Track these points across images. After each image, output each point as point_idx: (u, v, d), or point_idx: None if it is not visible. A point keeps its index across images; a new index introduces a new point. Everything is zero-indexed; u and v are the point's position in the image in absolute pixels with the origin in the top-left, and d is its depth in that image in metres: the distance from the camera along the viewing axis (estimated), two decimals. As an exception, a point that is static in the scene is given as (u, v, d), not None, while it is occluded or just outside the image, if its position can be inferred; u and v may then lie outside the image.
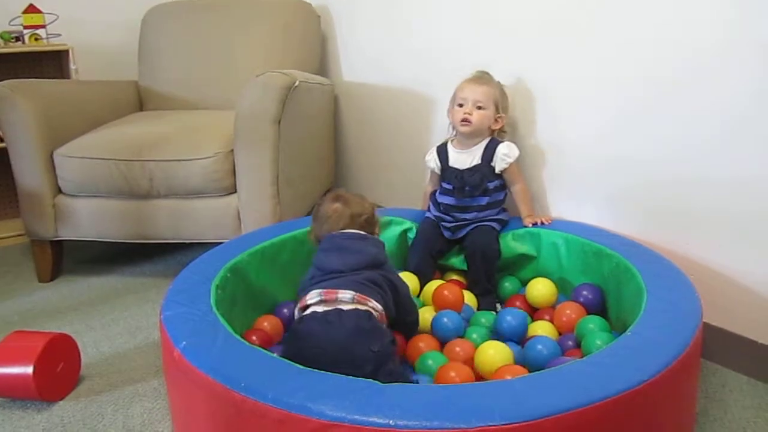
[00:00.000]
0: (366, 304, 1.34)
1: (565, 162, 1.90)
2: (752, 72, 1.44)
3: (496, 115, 1.86)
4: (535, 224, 1.83)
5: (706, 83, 1.53)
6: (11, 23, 2.54)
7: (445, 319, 1.55)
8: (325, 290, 1.35)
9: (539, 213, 1.95)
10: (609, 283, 1.62)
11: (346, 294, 1.33)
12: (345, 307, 1.32)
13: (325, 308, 1.33)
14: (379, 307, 1.36)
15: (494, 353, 1.38)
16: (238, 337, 1.22)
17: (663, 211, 1.68)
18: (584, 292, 1.66)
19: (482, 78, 1.88)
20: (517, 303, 1.74)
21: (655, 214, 1.70)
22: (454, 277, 1.86)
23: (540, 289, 1.72)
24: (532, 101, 1.95)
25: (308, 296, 1.37)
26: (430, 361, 1.42)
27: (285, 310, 1.69)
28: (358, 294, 1.34)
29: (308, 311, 1.35)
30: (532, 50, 1.91)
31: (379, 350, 1.28)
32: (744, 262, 1.55)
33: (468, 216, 1.84)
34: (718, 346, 1.60)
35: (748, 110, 1.46)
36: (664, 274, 1.45)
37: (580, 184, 1.88)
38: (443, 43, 2.21)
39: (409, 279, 1.71)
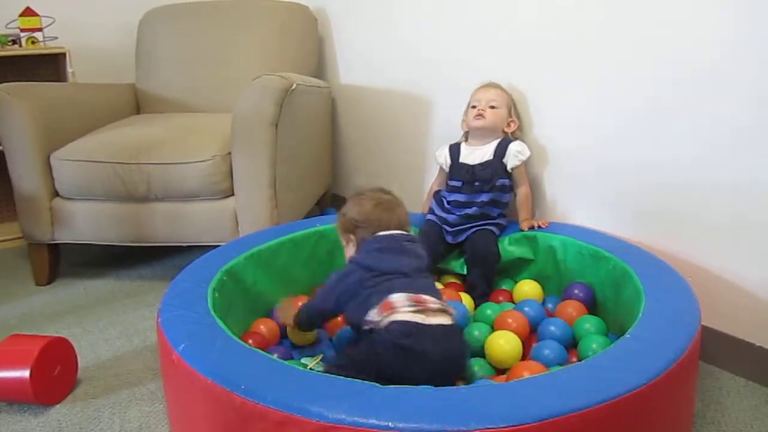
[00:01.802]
0: (449, 313, 1.32)
1: (563, 165, 1.91)
2: (756, 77, 1.44)
3: (509, 118, 1.90)
4: (531, 228, 1.84)
5: (708, 88, 1.53)
6: (8, 26, 2.53)
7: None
8: (414, 295, 1.29)
9: (537, 216, 1.96)
10: (606, 286, 1.62)
11: (435, 303, 1.30)
12: (447, 322, 1.28)
13: (436, 320, 1.26)
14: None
15: (504, 343, 1.40)
16: (237, 339, 1.22)
17: (661, 215, 1.69)
18: (575, 291, 1.67)
19: (494, 83, 1.94)
20: (501, 298, 1.76)
21: (653, 218, 1.71)
22: (451, 280, 1.86)
23: (527, 291, 1.74)
24: (532, 104, 1.95)
25: (395, 301, 1.27)
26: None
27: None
28: (441, 302, 1.32)
29: (401, 317, 1.25)
30: (532, 53, 1.92)
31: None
32: (742, 264, 1.55)
33: (469, 211, 1.85)
34: (716, 348, 1.61)
35: (751, 115, 1.46)
36: (662, 276, 1.45)
37: (578, 187, 1.88)
38: (441, 45, 2.22)
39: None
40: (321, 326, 1.58)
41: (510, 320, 1.53)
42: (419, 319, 1.25)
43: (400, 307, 1.26)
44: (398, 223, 1.45)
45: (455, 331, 1.30)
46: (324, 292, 1.45)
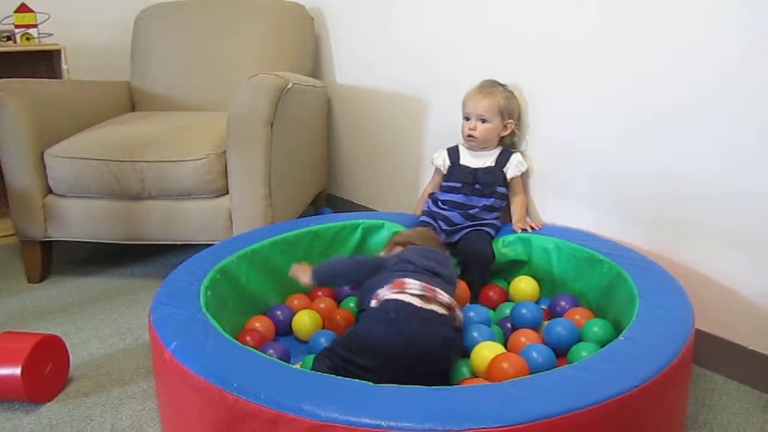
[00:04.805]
0: (455, 311, 1.37)
1: (560, 169, 1.90)
2: (757, 87, 1.44)
3: (505, 121, 1.90)
4: (524, 230, 1.84)
5: (709, 96, 1.52)
6: (3, 22, 2.52)
7: (472, 313, 1.57)
8: (427, 284, 1.36)
9: (532, 218, 1.96)
10: (600, 289, 1.62)
11: (444, 296, 1.36)
12: (439, 311, 1.32)
13: (422, 304, 1.31)
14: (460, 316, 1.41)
15: (489, 354, 1.38)
16: (229, 337, 1.21)
17: (656, 219, 1.69)
18: (562, 303, 1.66)
19: (485, 89, 1.91)
20: (491, 293, 1.76)
21: (649, 222, 1.71)
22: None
23: (523, 288, 1.74)
24: (529, 107, 1.95)
25: (408, 283, 1.35)
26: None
27: (278, 312, 1.68)
28: (452, 299, 1.38)
29: (403, 297, 1.32)
30: (531, 55, 1.91)
31: (454, 359, 1.38)
32: (736, 269, 1.56)
33: (471, 212, 1.86)
34: (709, 351, 1.61)
35: (749, 122, 1.46)
36: (657, 279, 1.45)
37: (574, 191, 1.88)
38: (437, 46, 2.21)
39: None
40: (339, 283, 1.74)
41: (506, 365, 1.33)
42: (416, 301, 1.30)
43: (409, 289, 1.33)
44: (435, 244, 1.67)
45: (446, 321, 1.33)
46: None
